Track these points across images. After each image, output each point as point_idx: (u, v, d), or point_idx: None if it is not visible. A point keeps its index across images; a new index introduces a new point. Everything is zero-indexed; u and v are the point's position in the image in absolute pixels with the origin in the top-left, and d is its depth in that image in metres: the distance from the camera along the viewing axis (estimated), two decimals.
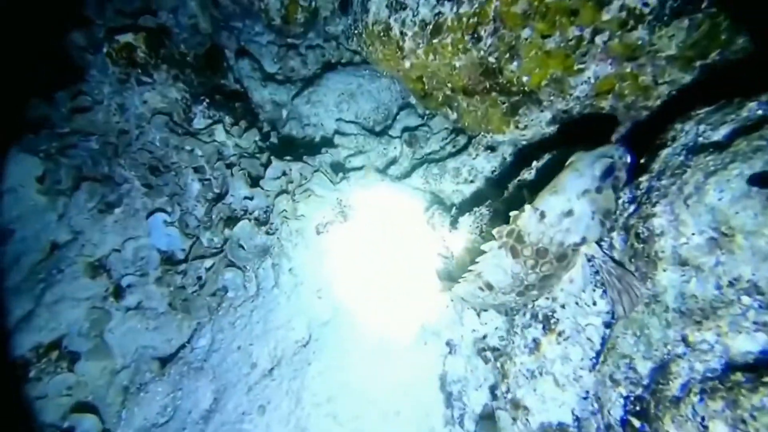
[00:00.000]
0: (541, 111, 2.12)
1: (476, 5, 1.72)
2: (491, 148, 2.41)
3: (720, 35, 1.59)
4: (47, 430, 2.53)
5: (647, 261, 1.37)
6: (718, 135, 1.34)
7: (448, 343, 2.04)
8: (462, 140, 2.66)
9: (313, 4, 3.21)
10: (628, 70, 1.83)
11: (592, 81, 1.91)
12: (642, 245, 1.39)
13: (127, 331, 2.75)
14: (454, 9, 1.72)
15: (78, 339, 2.71)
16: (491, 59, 1.96)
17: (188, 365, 2.48)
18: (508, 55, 1.96)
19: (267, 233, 2.36)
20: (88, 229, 2.77)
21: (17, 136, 2.62)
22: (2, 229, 2.91)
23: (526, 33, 1.87)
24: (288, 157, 2.51)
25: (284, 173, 2.36)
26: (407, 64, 2.04)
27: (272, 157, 2.38)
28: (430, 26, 1.76)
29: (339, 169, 2.68)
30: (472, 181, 2.42)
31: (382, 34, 1.88)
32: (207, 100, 2.66)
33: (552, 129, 2.21)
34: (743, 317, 1.16)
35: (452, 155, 2.54)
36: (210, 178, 2.43)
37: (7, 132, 2.63)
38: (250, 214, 2.33)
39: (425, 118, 3.03)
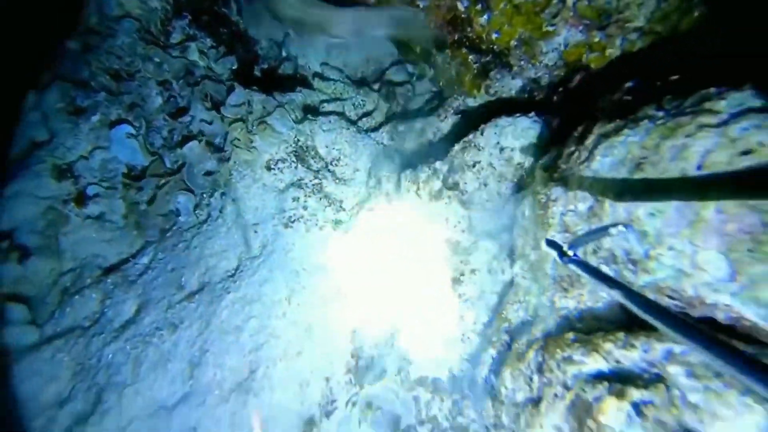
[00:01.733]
0: (512, 78, 2.16)
1: None
2: (461, 113, 2.47)
3: (692, 11, 1.57)
4: None
5: (542, 226, 1.41)
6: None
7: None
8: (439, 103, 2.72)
9: None
10: (597, 39, 1.83)
11: (562, 47, 1.92)
12: (541, 212, 1.44)
13: (81, 239, 3.04)
14: None
15: (31, 235, 3.02)
16: (460, 6, 2.01)
17: (125, 278, 2.72)
18: (478, 6, 2.01)
19: (219, 160, 2.54)
20: (63, 131, 3.05)
21: None
22: None
23: None
24: (254, 87, 2.67)
25: (247, 102, 2.51)
26: None
27: (235, 83, 2.54)
28: None
29: (309, 111, 2.81)
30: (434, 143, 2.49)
31: None
32: (190, 18, 2.85)
33: (521, 98, 2.24)
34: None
35: (422, 115, 2.61)
36: (175, 95, 2.62)
37: None
38: (204, 137, 2.51)
39: (413, 78, 3.11)
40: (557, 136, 1.59)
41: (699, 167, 1.06)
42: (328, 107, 2.91)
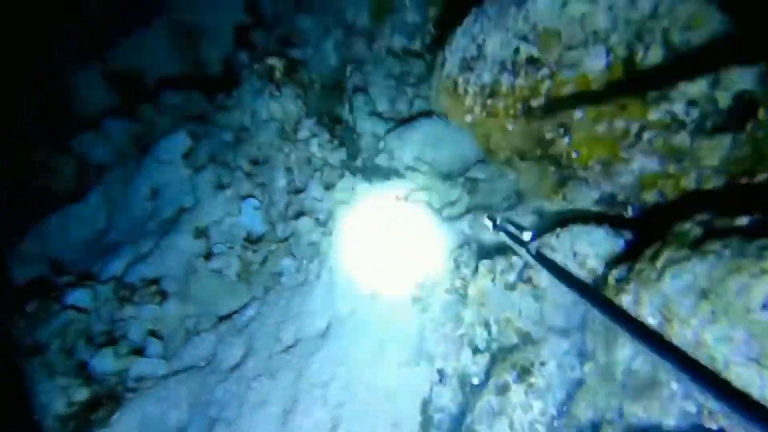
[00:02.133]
0: (590, 190, 2.32)
1: (531, 81, 2.09)
2: (539, 213, 2.64)
3: (764, 160, 1.65)
4: (128, 341, 3.41)
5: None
6: None
7: (439, 371, 2.29)
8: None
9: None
10: (672, 170, 1.94)
11: (637, 173, 2.06)
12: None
13: (204, 288, 3.58)
14: (510, 79, 2.11)
15: (172, 282, 3.61)
16: (544, 131, 2.27)
17: (234, 326, 3.13)
18: (561, 130, 2.25)
19: (323, 233, 2.94)
20: (206, 200, 3.72)
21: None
22: (154, 188, 4.08)
23: (577, 114, 2.15)
24: (359, 175, 3.10)
25: (351, 188, 2.93)
26: (468, 118, 2.47)
27: (346, 171, 3.00)
28: (488, 89, 2.17)
29: (400, 199, 3.17)
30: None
31: (450, 88, 2.35)
32: (315, 119, 3.45)
33: (598, 209, 2.37)
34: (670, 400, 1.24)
35: (501, 209, 2.83)
36: (295, 178, 3.14)
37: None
38: (314, 213, 2.95)
39: (496, 177, 3.37)
40: (630, 251, 1.70)
41: (763, 307, 1.14)
42: (415, 196, 3.26)
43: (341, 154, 3.34)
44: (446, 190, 3.29)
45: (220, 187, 3.49)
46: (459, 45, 2.00)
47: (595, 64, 1.68)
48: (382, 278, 2.64)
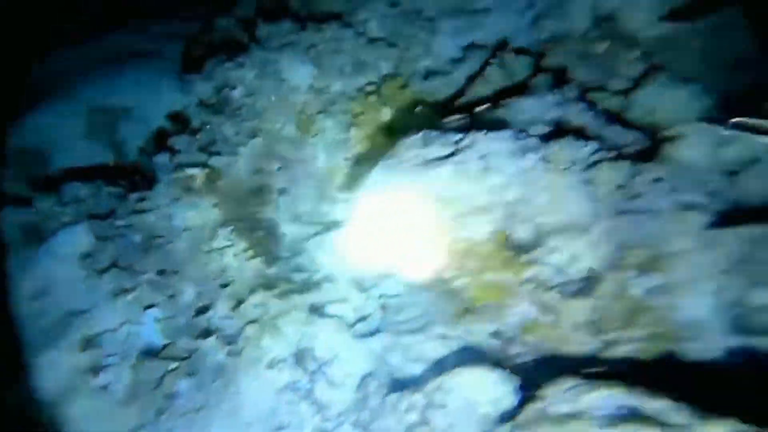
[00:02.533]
0: (485, 323, 2.55)
1: None
2: (442, 337, 2.81)
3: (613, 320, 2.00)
4: None
5: None
6: None
7: None
8: None
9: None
10: (547, 320, 2.23)
11: (520, 318, 2.31)
12: None
13: (85, 408, 3.17)
14: None
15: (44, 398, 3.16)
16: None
17: None
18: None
19: (228, 353, 2.82)
20: (102, 306, 3.43)
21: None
22: (38, 289, 3.70)
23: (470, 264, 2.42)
24: (276, 290, 3.09)
25: (263, 304, 2.91)
26: None
27: (261, 283, 2.98)
28: None
29: (314, 311, 3.19)
30: None
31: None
32: (233, 226, 3.45)
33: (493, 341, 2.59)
34: None
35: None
36: (204, 291, 3.05)
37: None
38: (220, 332, 2.85)
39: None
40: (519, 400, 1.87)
41: None
42: (331, 309, 3.30)
43: (258, 264, 3.34)
44: (362, 303, 3.38)
45: (121, 293, 3.27)
46: (363, 197, 2.21)
47: (480, 231, 1.97)
48: (287, 409, 2.56)
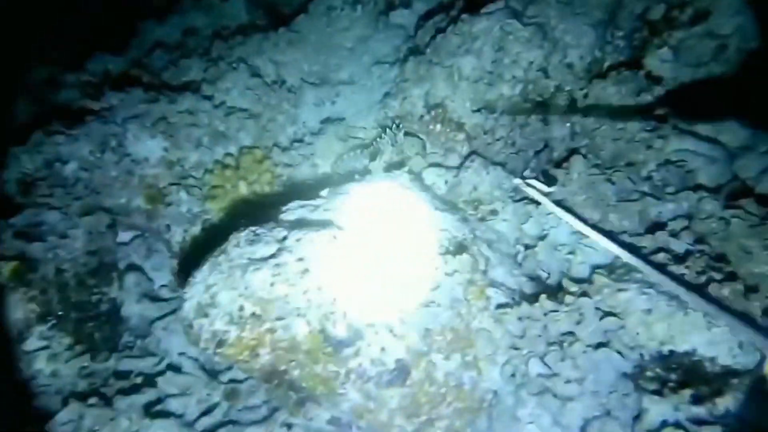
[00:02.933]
0: (323, 411, 2.62)
1: (255, 334, 2.36)
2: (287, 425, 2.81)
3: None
4: None
5: None
6: None
7: None
8: None
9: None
10: None
11: (351, 404, 2.43)
12: None
13: None
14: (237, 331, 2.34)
15: None
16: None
17: None
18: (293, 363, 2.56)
19: None
20: None
21: None
22: None
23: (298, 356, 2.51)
24: (99, 395, 2.79)
25: (79, 416, 2.59)
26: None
27: (77, 396, 2.66)
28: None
29: (149, 412, 2.94)
30: None
31: (187, 329, 2.49)
32: (54, 321, 3.08)
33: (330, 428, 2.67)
34: None
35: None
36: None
37: None
38: None
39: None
40: None
41: None
42: (172, 405, 3.08)
43: (83, 361, 3.00)
44: (208, 393, 3.21)
45: None
46: (195, 291, 2.19)
47: (300, 331, 2.06)
48: None
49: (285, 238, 2.24)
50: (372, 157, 4.32)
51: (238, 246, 2.22)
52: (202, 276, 2.19)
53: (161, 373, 3.25)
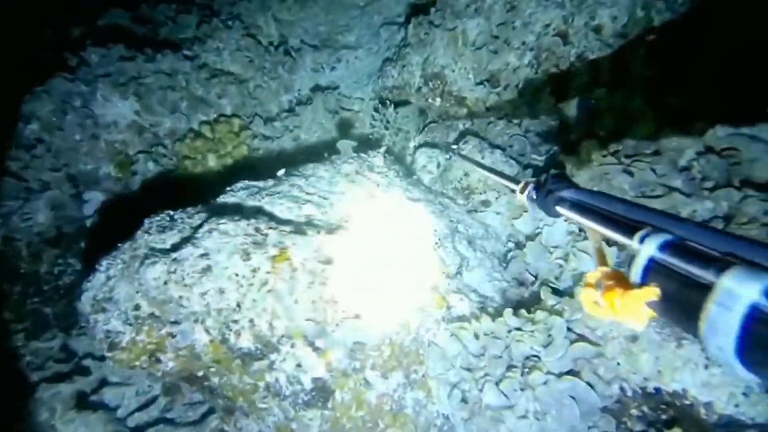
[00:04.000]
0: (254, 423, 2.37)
1: (154, 337, 2.07)
2: None
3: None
4: None
5: None
6: None
7: None
8: None
9: None
10: None
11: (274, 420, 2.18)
12: None
13: None
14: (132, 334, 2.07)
15: None
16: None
17: None
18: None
19: None
20: None
21: None
22: None
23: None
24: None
25: None
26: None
27: None
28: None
29: None
30: None
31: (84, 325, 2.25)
32: None
33: None
34: None
35: None
36: None
37: None
38: None
39: None
40: None
41: None
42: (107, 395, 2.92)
43: (18, 341, 2.87)
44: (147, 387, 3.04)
45: None
46: (96, 281, 1.93)
47: (200, 339, 1.77)
48: None
49: (200, 226, 1.93)
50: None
51: (148, 232, 1.94)
52: (107, 264, 1.93)
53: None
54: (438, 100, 3.68)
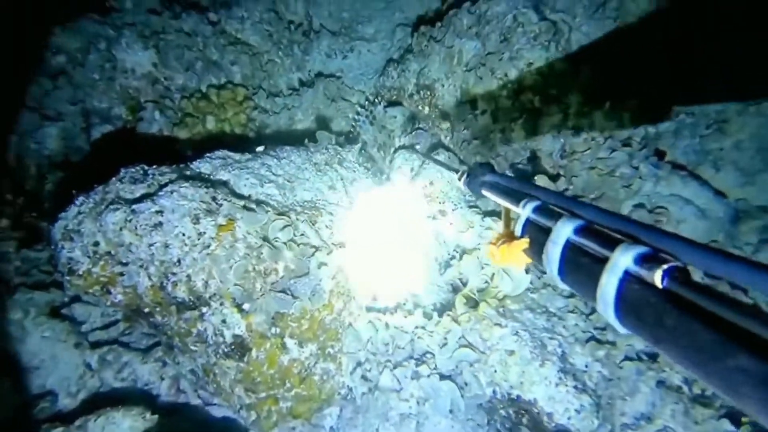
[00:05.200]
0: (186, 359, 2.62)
1: (108, 272, 2.29)
2: None
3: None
4: None
5: None
6: None
7: None
8: None
9: None
10: None
11: None
12: None
13: None
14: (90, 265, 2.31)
15: None
16: None
17: None
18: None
19: None
20: None
21: None
22: None
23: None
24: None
25: None
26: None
27: None
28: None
29: None
30: None
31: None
32: None
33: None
34: None
35: None
36: None
37: None
38: None
39: None
40: None
41: None
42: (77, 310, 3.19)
43: (9, 247, 3.14)
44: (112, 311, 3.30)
45: None
46: (70, 213, 2.14)
47: (142, 282, 2.00)
48: None
49: (166, 184, 2.13)
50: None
51: (121, 181, 2.14)
52: (80, 201, 2.14)
53: None
54: (426, 109, 3.81)
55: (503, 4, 3.49)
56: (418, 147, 3.22)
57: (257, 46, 4.60)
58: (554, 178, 3.12)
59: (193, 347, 2.20)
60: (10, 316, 2.66)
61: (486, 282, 2.86)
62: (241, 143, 3.42)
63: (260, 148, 2.85)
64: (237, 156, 2.68)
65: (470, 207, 3.40)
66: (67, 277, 2.00)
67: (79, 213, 2.08)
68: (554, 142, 3.36)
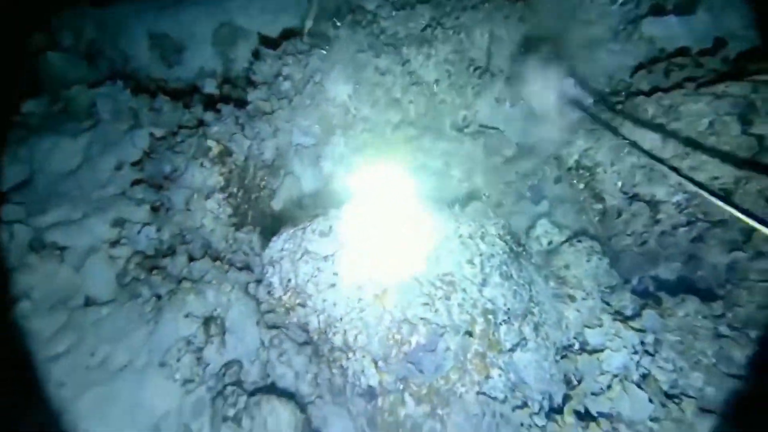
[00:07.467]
0: None
1: None
2: None
3: None
4: None
5: None
6: None
7: None
8: None
9: None
10: None
11: None
12: None
13: None
14: None
15: None
16: None
17: None
18: None
19: None
20: None
21: None
22: None
23: None
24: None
25: None
26: None
27: None
28: None
29: None
30: None
31: None
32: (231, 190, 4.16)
33: None
34: None
35: None
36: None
37: None
38: None
39: None
40: None
41: None
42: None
43: None
44: None
45: None
46: (274, 246, 2.68)
47: (312, 323, 2.41)
48: None
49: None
50: None
51: (313, 231, 2.58)
52: (284, 237, 2.65)
53: None
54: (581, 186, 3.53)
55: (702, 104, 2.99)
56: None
57: (432, 81, 4.68)
58: None
59: (334, 371, 2.58)
60: (222, 288, 3.44)
61: (601, 389, 2.66)
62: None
63: None
64: None
65: (604, 302, 3.14)
66: (263, 297, 2.56)
67: (282, 249, 2.58)
68: None
